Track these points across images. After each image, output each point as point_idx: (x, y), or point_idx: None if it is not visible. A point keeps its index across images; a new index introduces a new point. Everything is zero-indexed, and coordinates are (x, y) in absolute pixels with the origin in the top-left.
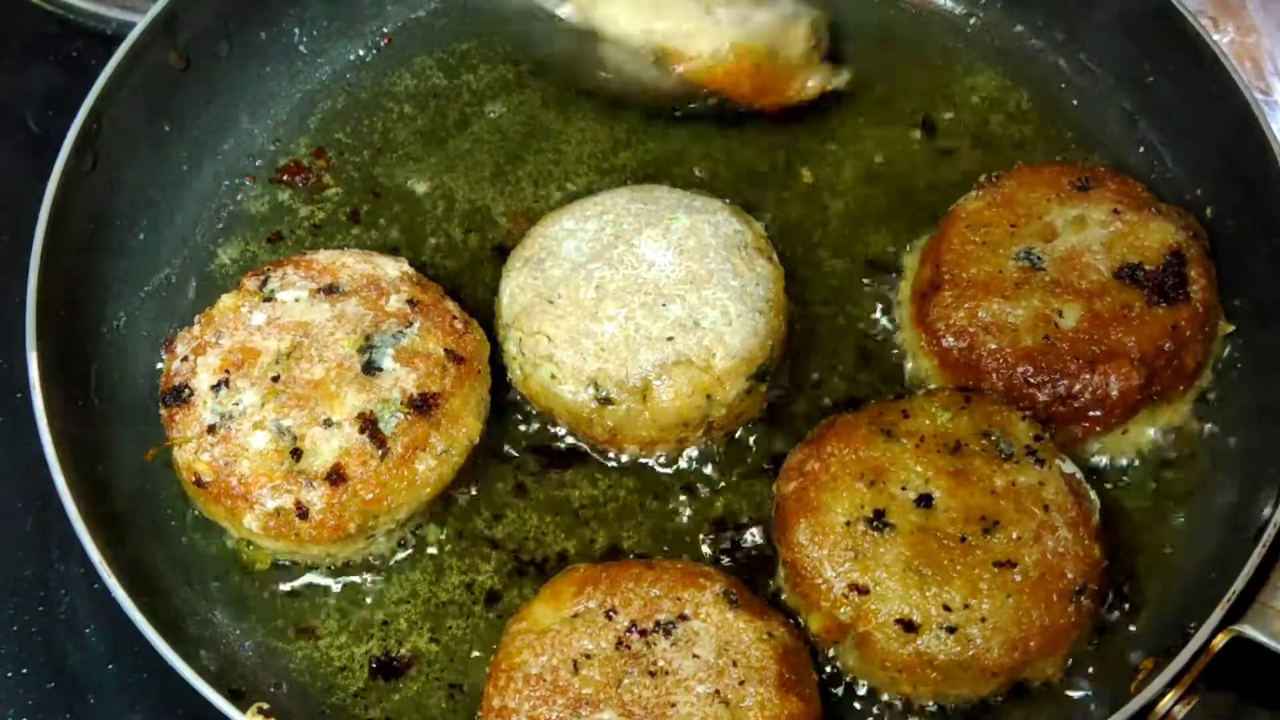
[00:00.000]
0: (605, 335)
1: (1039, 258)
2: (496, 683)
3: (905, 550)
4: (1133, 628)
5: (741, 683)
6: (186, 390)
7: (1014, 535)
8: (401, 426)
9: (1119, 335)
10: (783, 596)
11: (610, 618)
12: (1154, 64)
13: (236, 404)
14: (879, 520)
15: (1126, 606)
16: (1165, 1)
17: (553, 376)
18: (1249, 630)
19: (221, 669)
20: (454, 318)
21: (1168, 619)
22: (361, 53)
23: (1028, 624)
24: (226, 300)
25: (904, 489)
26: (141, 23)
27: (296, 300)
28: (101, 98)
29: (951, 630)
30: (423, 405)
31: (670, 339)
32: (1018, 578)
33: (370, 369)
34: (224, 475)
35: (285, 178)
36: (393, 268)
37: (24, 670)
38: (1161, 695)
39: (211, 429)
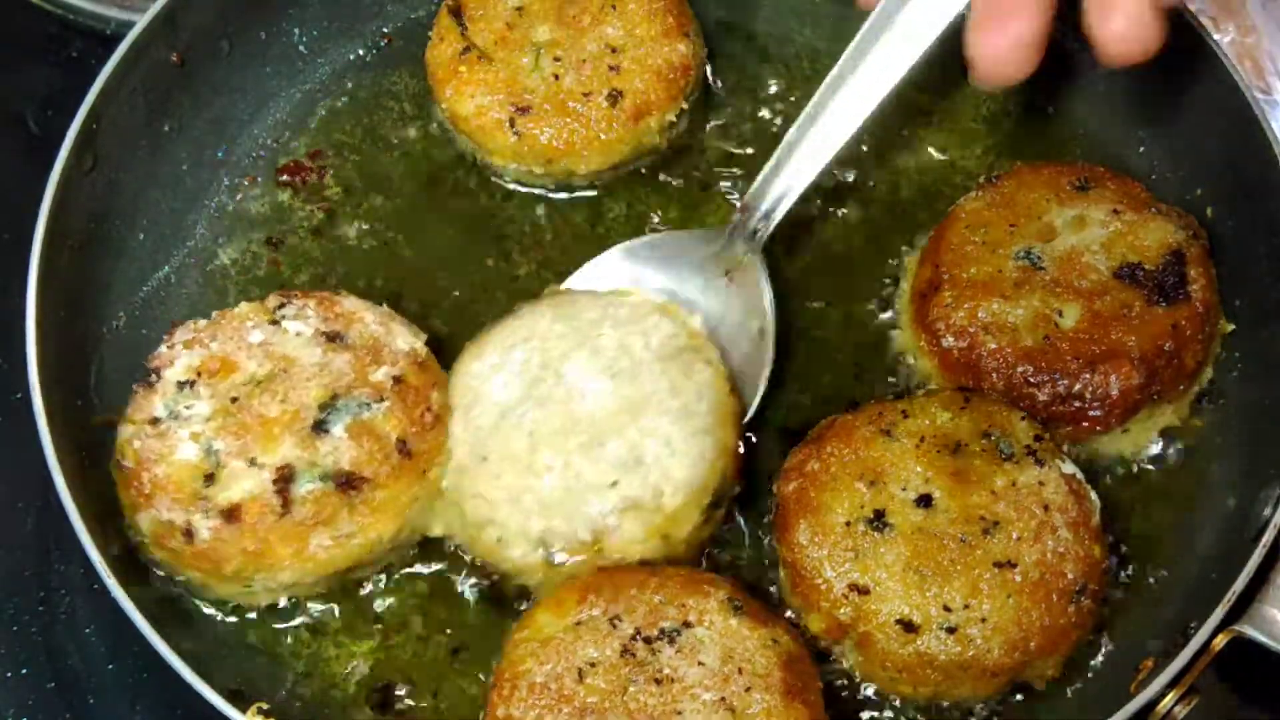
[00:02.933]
0: (545, 489)
1: (1039, 257)
2: (501, 691)
3: (905, 550)
4: (1133, 628)
5: (747, 690)
6: (156, 376)
7: (1014, 535)
8: (314, 495)
9: (1119, 335)
10: (782, 598)
11: (614, 625)
12: (1154, 64)
13: (188, 408)
14: (879, 520)
15: (1127, 606)
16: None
17: (499, 540)
18: (1249, 630)
19: (221, 669)
20: (427, 409)
21: (1168, 619)
22: (361, 53)
23: (1028, 624)
24: (243, 308)
25: (904, 489)
26: (141, 22)
27: (298, 334)
28: (101, 98)
29: (952, 630)
30: (345, 484)
31: (614, 484)
32: (1018, 578)
33: (319, 428)
34: (141, 468)
35: (285, 178)
36: (405, 341)
37: (24, 670)
38: (1161, 695)
39: (155, 421)
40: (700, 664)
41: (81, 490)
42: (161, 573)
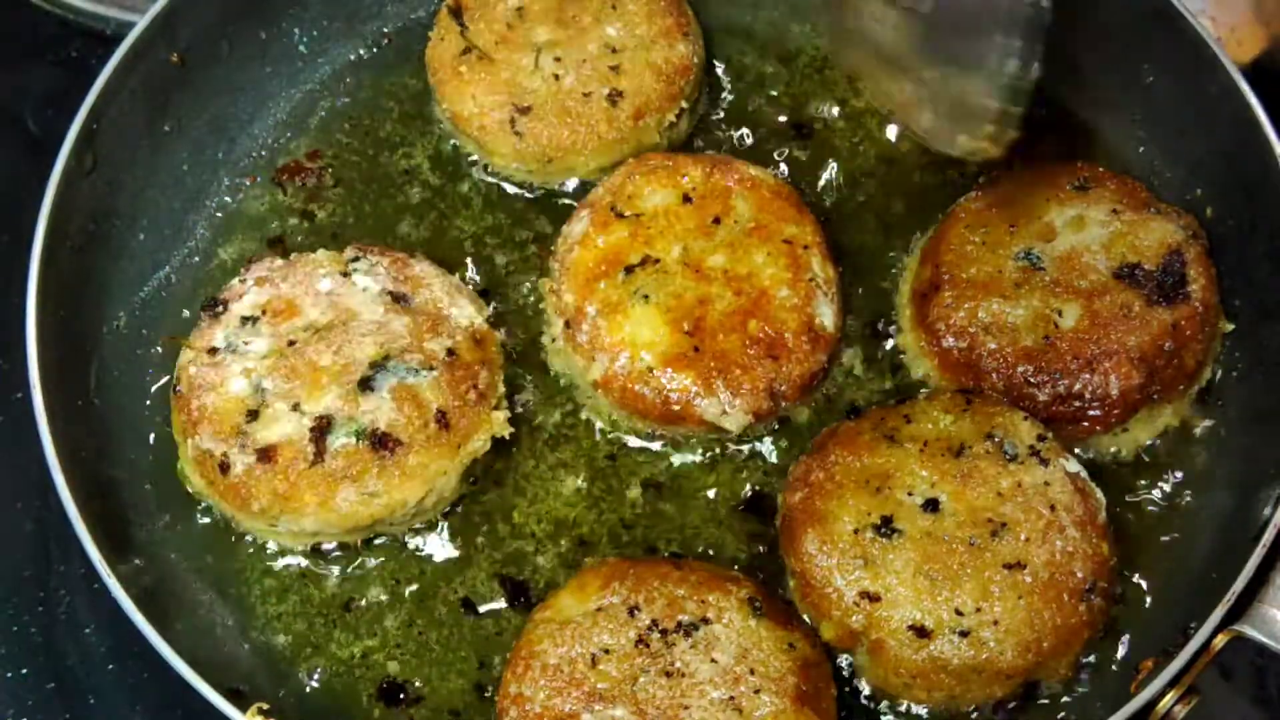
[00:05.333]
0: None
1: (1038, 257)
2: (515, 669)
3: (914, 556)
4: (1133, 628)
5: (757, 691)
6: (223, 306)
7: (1022, 536)
8: (346, 449)
9: (1119, 335)
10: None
11: (633, 614)
12: (1154, 64)
13: (247, 343)
14: (887, 527)
15: (1127, 606)
16: (1165, 2)
17: None
18: (1249, 630)
19: (222, 669)
20: (473, 386)
21: (1168, 619)
22: (361, 53)
23: (1040, 625)
24: (320, 255)
25: (910, 494)
26: (141, 23)
27: (365, 290)
28: (101, 98)
29: (964, 634)
30: (378, 444)
31: None
32: (1028, 579)
33: (365, 385)
34: (192, 394)
35: (285, 178)
36: (466, 315)
37: (24, 670)
38: (1161, 695)
39: (213, 351)
40: (713, 661)
41: (81, 490)
42: (200, 502)
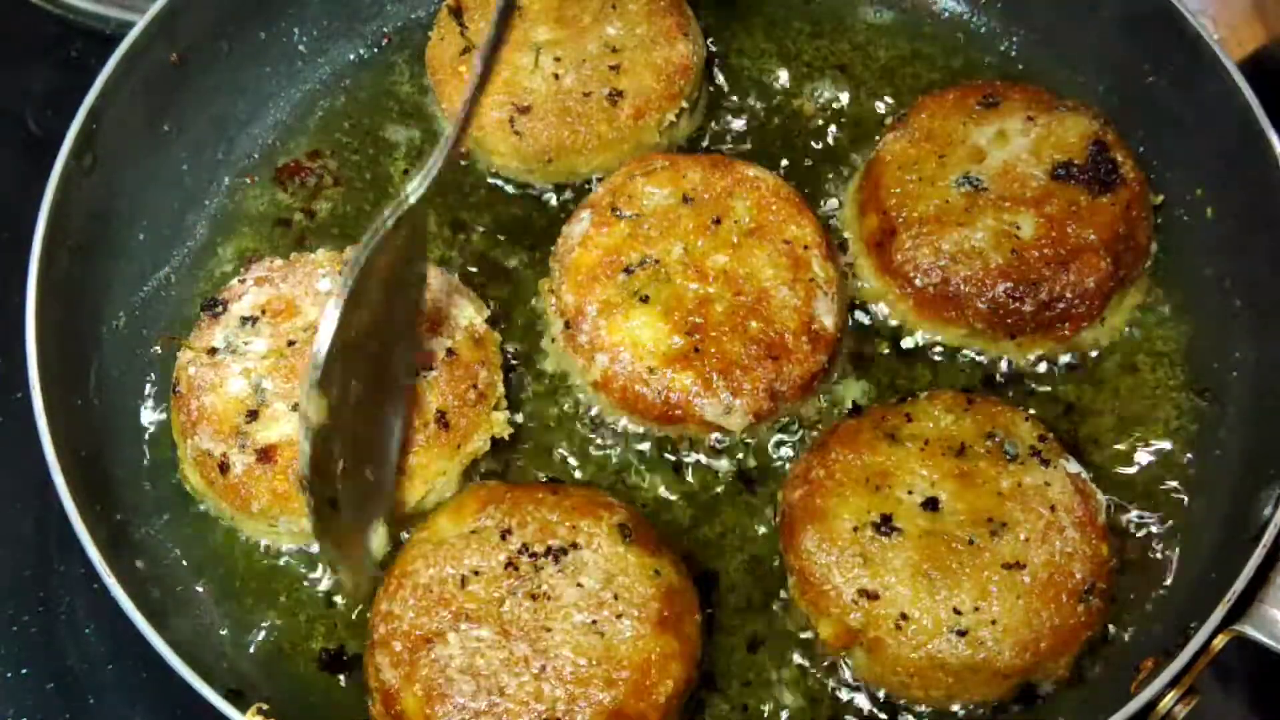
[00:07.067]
0: None
1: (978, 179)
2: (387, 588)
3: (914, 554)
4: (1133, 628)
5: (619, 616)
6: (222, 307)
7: (1021, 536)
8: None
9: (1077, 231)
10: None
11: (505, 538)
12: (1154, 64)
13: (246, 344)
14: (886, 525)
15: (1127, 606)
16: (1165, 1)
17: None
18: (1249, 630)
19: (221, 669)
20: (473, 386)
21: (1168, 619)
22: (362, 52)
23: (1038, 625)
24: (319, 255)
25: (910, 493)
26: (141, 23)
27: None
28: (101, 98)
29: (962, 634)
30: None
31: None
32: (1027, 579)
33: None
34: (191, 394)
35: (285, 178)
36: (466, 315)
37: (24, 670)
38: (1161, 695)
39: (213, 351)
40: (579, 585)
41: (81, 490)
42: (200, 502)
